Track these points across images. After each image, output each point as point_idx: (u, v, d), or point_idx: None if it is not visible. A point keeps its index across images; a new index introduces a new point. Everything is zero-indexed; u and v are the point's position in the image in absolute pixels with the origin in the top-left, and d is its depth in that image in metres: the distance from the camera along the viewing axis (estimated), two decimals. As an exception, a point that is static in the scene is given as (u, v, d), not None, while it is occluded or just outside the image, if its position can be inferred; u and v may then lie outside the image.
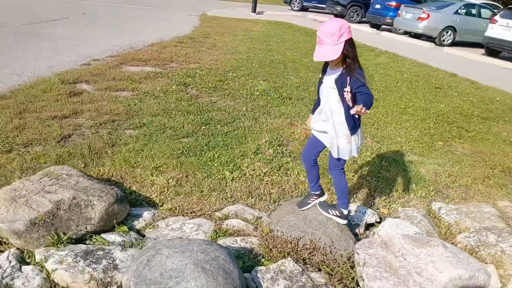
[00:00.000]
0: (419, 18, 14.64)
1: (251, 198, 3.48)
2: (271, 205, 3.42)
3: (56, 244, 2.54)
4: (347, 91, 2.46)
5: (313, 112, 2.83)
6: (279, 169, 3.98)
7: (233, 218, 3.13)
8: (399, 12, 15.82)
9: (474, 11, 15.11)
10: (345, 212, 2.96)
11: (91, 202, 2.73)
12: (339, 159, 2.75)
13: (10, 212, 2.49)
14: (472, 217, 3.46)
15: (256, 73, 7.52)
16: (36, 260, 2.41)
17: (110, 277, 2.32)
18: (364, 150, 4.60)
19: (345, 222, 2.98)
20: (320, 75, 2.68)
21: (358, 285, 2.45)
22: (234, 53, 9.19)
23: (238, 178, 3.74)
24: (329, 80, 2.55)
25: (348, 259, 2.68)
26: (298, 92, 6.61)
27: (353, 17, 19.94)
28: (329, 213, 2.99)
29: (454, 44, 14.88)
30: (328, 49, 2.37)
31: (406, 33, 16.43)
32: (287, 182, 3.77)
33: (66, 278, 2.27)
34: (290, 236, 2.82)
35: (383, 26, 17.69)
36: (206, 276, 2.03)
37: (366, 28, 17.62)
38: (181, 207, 3.22)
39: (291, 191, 3.65)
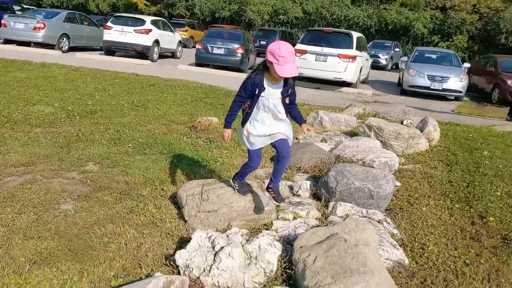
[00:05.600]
0: (35, 27, 14.94)
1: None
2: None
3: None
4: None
5: (245, 123, 3.17)
6: (225, 150, 5.36)
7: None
8: (3, 22, 15.22)
9: (77, 19, 16.95)
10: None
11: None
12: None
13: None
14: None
15: (7, 101, 6.82)
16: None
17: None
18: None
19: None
20: (256, 90, 3.02)
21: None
22: None
23: (226, 162, 4.94)
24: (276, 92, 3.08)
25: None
26: (97, 107, 6.96)
27: None
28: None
29: (71, 49, 16.27)
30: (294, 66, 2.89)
31: (6, 42, 15.99)
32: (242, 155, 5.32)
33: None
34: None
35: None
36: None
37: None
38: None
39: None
